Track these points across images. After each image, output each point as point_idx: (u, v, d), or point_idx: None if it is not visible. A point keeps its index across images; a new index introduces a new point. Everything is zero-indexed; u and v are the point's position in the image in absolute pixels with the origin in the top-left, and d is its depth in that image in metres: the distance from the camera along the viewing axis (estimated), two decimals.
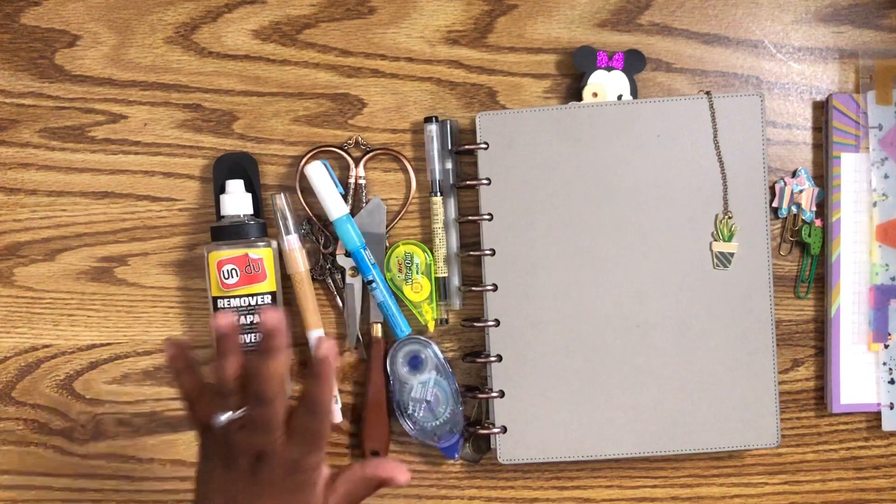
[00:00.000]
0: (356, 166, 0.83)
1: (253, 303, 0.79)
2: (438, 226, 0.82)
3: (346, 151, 0.83)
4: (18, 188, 0.84)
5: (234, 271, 0.79)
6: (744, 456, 0.84)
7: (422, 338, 0.82)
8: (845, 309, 0.81)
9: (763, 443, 0.80)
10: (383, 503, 0.85)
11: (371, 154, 0.83)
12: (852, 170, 0.81)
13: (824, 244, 0.82)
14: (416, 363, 0.82)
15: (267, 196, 0.83)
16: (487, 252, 0.80)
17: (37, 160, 0.84)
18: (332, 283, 0.84)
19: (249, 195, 0.81)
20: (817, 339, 0.83)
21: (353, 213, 0.82)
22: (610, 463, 0.84)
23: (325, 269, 0.83)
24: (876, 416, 0.83)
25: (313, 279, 0.83)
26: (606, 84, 0.81)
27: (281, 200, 0.81)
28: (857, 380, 0.81)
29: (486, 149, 0.80)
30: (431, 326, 0.82)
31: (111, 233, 0.84)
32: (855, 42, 0.82)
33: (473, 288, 0.81)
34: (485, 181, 0.80)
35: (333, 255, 0.83)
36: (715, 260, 0.79)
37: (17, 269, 0.85)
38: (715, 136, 0.79)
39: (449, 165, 0.81)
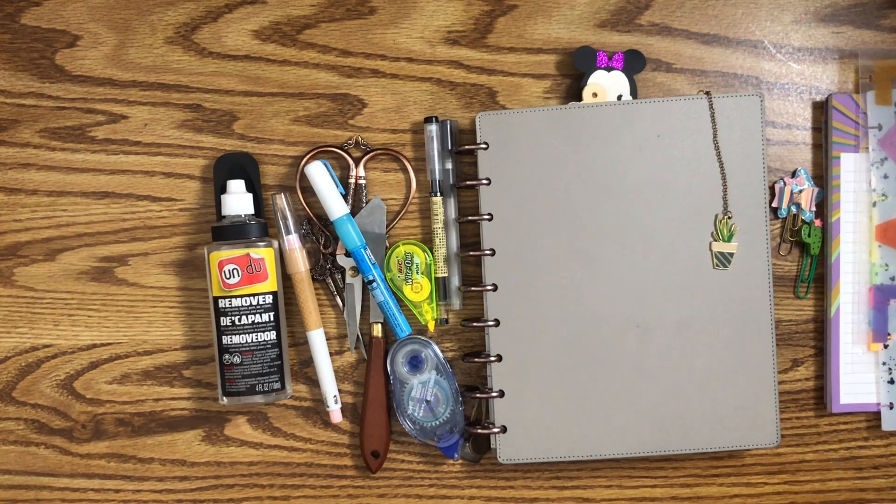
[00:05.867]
0: (356, 166, 0.83)
1: (254, 303, 0.80)
2: (438, 226, 0.82)
3: (346, 151, 0.83)
4: (19, 188, 0.84)
5: (235, 271, 0.79)
6: (743, 456, 0.84)
7: (422, 338, 0.82)
8: (845, 309, 0.81)
9: (763, 442, 0.80)
10: (383, 503, 0.85)
11: (371, 154, 0.83)
12: (852, 170, 0.81)
13: (824, 244, 0.82)
14: (416, 363, 0.82)
15: (267, 196, 0.83)
16: (487, 252, 0.80)
17: (37, 160, 0.84)
18: (332, 283, 0.84)
19: (250, 195, 0.81)
20: (817, 339, 0.83)
21: (353, 213, 0.82)
22: (610, 463, 0.84)
23: (325, 269, 0.83)
24: (875, 416, 0.83)
25: (313, 279, 0.83)
26: (606, 84, 0.81)
27: (281, 200, 0.81)
28: (856, 380, 0.81)
29: (486, 149, 0.80)
30: (431, 326, 0.82)
31: (111, 233, 0.84)
32: (855, 42, 0.82)
33: (473, 288, 0.81)
34: (485, 181, 0.80)
35: (334, 255, 0.83)
36: (715, 260, 0.79)
37: (17, 269, 0.85)
38: (715, 136, 0.79)
39: (449, 165, 0.81)
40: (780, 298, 0.83)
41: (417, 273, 0.81)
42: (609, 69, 0.81)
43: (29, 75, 0.84)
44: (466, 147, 0.80)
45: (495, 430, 0.80)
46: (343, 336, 0.84)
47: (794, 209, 0.82)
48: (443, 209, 0.82)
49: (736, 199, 0.79)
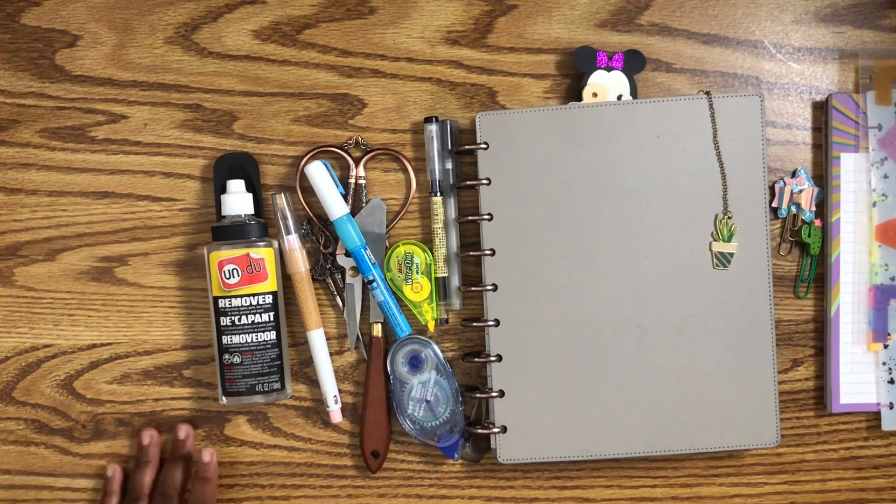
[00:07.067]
0: (356, 166, 0.83)
1: (254, 303, 0.80)
2: (438, 226, 0.82)
3: (346, 151, 0.83)
4: (19, 188, 0.84)
5: (235, 271, 0.79)
6: (743, 456, 0.84)
7: (422, 338, 0.82)
8: (845, 309, 0.81)
9: (763, 442, 0.80)
10: (383, 503, 0.85)
11: (371, 154, 0.83)
12: (852, 170, 0.81)
13: (824, 244, 0.82)
14: (416, 363, 0.82)
15: (267, 196, 0.83)
16: (487, 252, 0.80)
17: (37, 160, 0.84)
18: (332, 283, 0.84)
19: (250, 195, 0.81)
20: (817, 339, 0.83)
21: (353, 213, 0.82)
22: (610, 463, 0.84)
23: (325, 269, 0.83)
24: (875, 416, 0.83)
25: (313, 279, 0.83)
26: (606, 84, 0.81)
27: (281, 200, 0.81)
28: (856, 380, 0.81)
29: (486, 149, 0.80)
30: (431, 326, 0.82)
31: (111, 233, 0.84)
32: (855, 42, 0.82)
33: (473, 288, 0.81)
34: (485, 181, 0.80)
35: (334, 255, 0.83)
36: (715, 260, 0.79)
37: (17, 269, 0.85)
38: (715, 136, 0.79)
39: (449, 165, 0.81)
40: (780, 298, 0.83)
41: (417, 273, 0.81)
42: (609, 69, 0.81)
43: (29, 75, 0.84)
44: (466, 147, 0.80)
45: (495, 430, 0.80)
46: (343, 336, 0.84)
47: (794, 209, 0.82)
48: (443, 209, 0.82)
49: (736, 199, 0.79)
